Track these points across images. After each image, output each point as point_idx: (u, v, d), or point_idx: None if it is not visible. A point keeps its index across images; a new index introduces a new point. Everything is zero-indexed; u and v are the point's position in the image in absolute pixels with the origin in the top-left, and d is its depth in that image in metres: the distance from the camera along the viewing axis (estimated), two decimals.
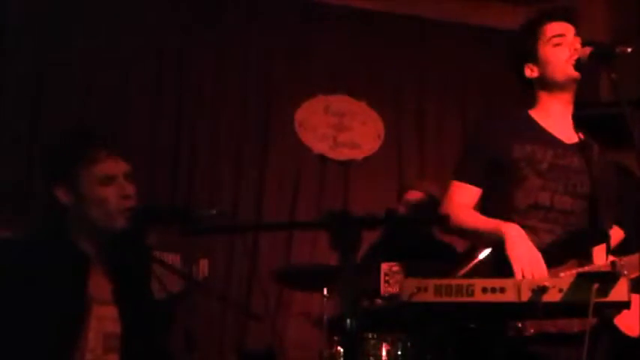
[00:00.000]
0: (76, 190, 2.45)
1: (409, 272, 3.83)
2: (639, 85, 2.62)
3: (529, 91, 2.97)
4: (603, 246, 2.73)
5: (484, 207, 2.91)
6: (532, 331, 2.54)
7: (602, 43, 2.85)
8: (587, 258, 2.72)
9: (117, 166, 2.49)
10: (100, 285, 2.46)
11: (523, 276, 2.57)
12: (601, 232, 2.75)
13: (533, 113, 2.95)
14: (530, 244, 2.67)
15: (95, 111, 5.16)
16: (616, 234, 2.87)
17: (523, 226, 2.77)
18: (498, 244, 2.69)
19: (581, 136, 2.91)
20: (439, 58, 6.00)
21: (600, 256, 2.72)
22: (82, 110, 5.16)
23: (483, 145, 2.92)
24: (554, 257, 2.70)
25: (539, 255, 2.64)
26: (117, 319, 2.47)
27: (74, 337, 2.34)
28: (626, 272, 2.60)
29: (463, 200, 2.89)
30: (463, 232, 2.96)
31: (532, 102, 2.97)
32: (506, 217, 2.79)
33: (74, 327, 2.35)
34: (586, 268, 2.64)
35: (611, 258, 2.71)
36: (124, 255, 2.55)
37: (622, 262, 2.66)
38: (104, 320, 2.44)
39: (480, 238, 2.84)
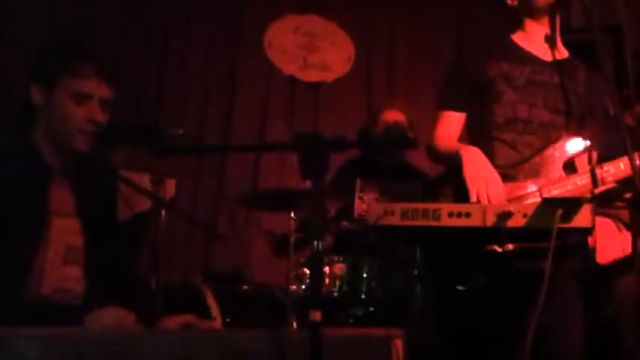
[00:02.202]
0: (50, 95, 2.40)
1: (383, 193, 3.87)
2: (610, 11, 2.60)
3: (513, 17, 3.00)
4: (585, 157, 2.77)
5: (469, 128, 2.97)
6: (511, 247, 2.59)
7: None
8: (571, 168, 2.77)
9: (98, 88, 2.43)
10: (62, 197, 2.43)
11: (478, 199, 2.63)
12: (582, 142, 2.79)
13: (515, 36, 3.00)
14: (488, 165, 2.73)
15: (60, 22, 5.02)
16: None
17: (501, 141, 2.84)
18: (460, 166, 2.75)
19: (566, 55, 2.96)
20: None
21: (583, 167, 2.76)
22: (48, 19, 5.01)
23: (461, 69, 3.00)
24: (533, 169, 2.78)
25: (496, 177, 2.70)
26: (79, 232, 2.45)
27: (34, 248, 2.32)
28: (610, 178, 2.68)
29: (447, 128, 2.97)
30: (440, 161, 3.04)
31: (515, 27, 3.01)
32: (487, 134, 2.87)
33: (34, 237, 2.33)
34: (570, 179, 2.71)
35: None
36: (89, 174, 2.51)
37: (604, 168, 2.72)
38: (65, 232, 2.41)
39: (450, 163, 2.88)
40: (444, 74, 3.15)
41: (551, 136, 2.83)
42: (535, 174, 2.76)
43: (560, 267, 2.39)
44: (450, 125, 2.97)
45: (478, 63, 2.93)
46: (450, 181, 2.78)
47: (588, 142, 2.79)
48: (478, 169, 2.71)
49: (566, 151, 2.78)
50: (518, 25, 3.00)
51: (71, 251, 2.42)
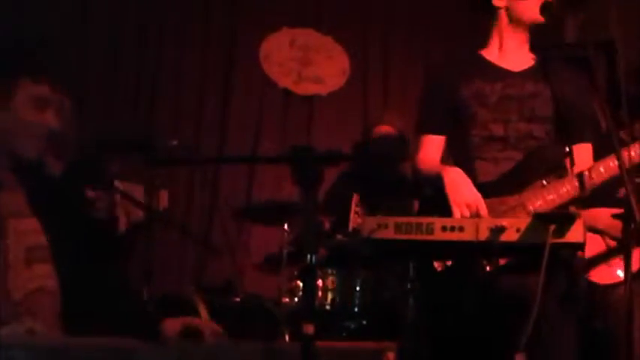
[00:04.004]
0: (6, 94, 2.35)
1: (376, 207, 3.88)
2: (604, 27, 2.61)
3: (484, 24, 2.98)
4: (567, 161, 2.76)
5: (450, 151, 2.97)
6: (501, 262, 2.59)
7: None
8: (555, 175, 2.75)
9: (58, 96, 2.37)
10: (14, 198, 2.39)
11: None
12: (561, 148, 2.79)
13: (484, 52, 2.99)
14: (470, 185, 2.73)
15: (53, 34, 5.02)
16: (586, 150, 2.90)
17: (481, 159, 2.85)
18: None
19: (536, 59, 2.94)
20: None
21: (567, 172, 2.75)
22: (40, 29, 5.01)
23: (435, 93, 3.01)
24: (515, 182, 2.77)
25: (478, 196, 2.70)
26: (39, 230, 2.40)
27: None
28: (594, 178, 2.67)
29: (427, 152, 2.98)
30: (425, 182, 3.03)
31: (484, 40, 3.00)
32: (467, 154, 2.87)
33: None
34: (548, 193, 2.69)
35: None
36: (59, 206, 2.47)
37: (588, 172, 2.71)
38: (23, 233, 2.37)
39: (434, 185, 2.88)
40: (421, 97, 3.13)
41: (532, 146, 2.83)
42: (517, 187, 2.76)
43: (549, 284, 2.40)
44: (431, 148, 2.98)
45: (451, 84, 2.93)
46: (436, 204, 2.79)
47: (567, 146, 2.79)
48: (460, 191, 2.71)
49: (547, 159, 2.78)
50: (488, 37, 2.99)
51: (34, 250, 2.38)
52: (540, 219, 2.32)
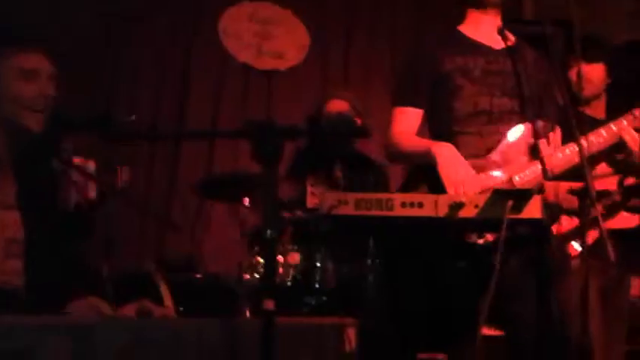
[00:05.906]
0: None
1: (334, 184, 3.87)
2: (563, 4, 2.63)
3: (458, 5, 2.99)
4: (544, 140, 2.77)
5: (429, 126, 2.95)
6: (491, 239, 2.59)
7: None
8: (536, 153, 2.75)
9: (40, 63, 2.39)
10: (4, 189, 2.39)
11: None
12: (541, 125, 2.80)
13: (462, 28, 2.99)
14: (463, 161, 2.73)
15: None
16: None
17: (466, 133, 2.83)
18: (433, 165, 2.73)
19: (511, 41, 2.94)
20: None
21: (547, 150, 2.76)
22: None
23: (415, 66, 2.97)
24: (501, 157, 2.78)
25: (471, 171, 2.71)
26: (19, 224, 2.40)
27: None
28: (553, 165, 2.68)
29: (404, 126, 2.92)
30: (404, 159, 3.00)
31: (460, 18, 2.99)
32: (450, 129, 2.84)
33: None
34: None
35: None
36: (36, 160, 2.47)
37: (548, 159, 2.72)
38: (6, 225, 2.37)
39: (418, 162, 2.86)
40: (398, 70, 3.12)
41: (515, 122, 2.82)
42: (502, 162, 2.77)
43: (515, 258, 2.44)
44: (407, 122, 2.92)
45: (433, 57, 2.90)
46: (423, 177, 2.78)
47: (545, 125, 2.79)
48: (455, 169, 2.70)
49: (529, 136, 2.78)
50: (463, 16, 3.00)
51: (11, 244, 2.38)
52: (498, 195, 2.35)
